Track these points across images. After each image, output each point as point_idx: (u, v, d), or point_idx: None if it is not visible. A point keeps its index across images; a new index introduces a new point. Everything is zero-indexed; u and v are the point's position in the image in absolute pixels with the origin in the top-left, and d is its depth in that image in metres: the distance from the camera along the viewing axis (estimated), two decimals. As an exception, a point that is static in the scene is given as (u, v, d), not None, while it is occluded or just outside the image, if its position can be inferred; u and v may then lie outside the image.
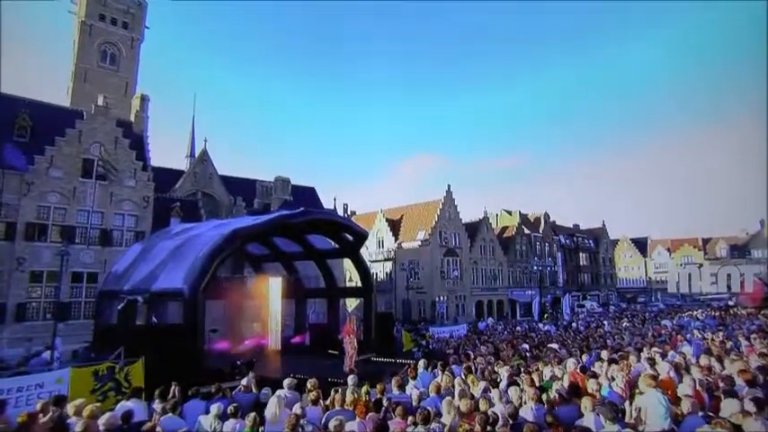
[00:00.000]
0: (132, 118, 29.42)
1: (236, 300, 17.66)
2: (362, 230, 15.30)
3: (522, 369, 9.00)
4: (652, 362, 8.42)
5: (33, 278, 21.80)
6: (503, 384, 7.73)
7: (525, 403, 6.29)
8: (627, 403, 6.85)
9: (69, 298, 22.52)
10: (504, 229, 52.21)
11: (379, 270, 46.01)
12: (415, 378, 8.42)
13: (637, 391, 7.22)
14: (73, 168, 23.42)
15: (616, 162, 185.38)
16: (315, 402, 7.27)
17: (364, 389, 7.88)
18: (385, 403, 6.99)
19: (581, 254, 61.28)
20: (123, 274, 13.98)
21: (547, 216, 55.52)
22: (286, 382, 8.36)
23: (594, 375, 7.67)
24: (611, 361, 9.28)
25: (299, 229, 14.83)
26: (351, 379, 8.57)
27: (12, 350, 19.13)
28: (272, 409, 7.18)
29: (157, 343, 10.42)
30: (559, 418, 5.64)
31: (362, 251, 47.76)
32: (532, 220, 55.10)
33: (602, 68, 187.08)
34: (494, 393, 6.53)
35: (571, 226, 64.55)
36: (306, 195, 60.75)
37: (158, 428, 6.28)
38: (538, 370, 8.41)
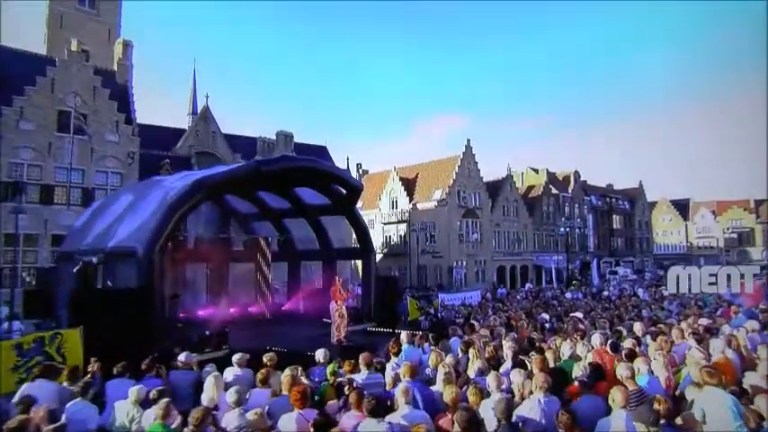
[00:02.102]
0: (115, 67, 27.97)
1: (220, 262, 16.62)
2: (356, 182, 13.80)
3: (536, 345, 7.57)
4: (699, 338, 6.83)
5: (8, 242, 21.10)
6: (506, 365, 6.33)
7: (532, 393, 4.85)
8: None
9: (50, 263, 21.87)
10: (530, 188, 49.95)
11: (393, 233, 44.80)
12: (397, 354, 7.06)
13: (683, 371, 5.75)
14: (47, 121, 22.31)
15: (657, 119, 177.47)
16: (263, 383, 6.03)
17: (331, 367, 6.58)
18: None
19: (614, 216, 58.70)
20: (81, 232, 12.93)
21: (577, 174, 52.87)
22: (236, 357, 7.15)
23: (632, 355, 6.17)
24: (651, 335, 7.78)
25: (282, 181, 13.42)
26: (320, 354, 7.30)
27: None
28: (208, 393, 5.98)
29: (106, 310, 9.30)
30: (578, 415, 4.22)
31: (375, 213, 46.75)
32: (561, 179, 52.58)
33: (638, 21, 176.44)
34: (489, 378, 5.10)
35: (604, 186, 61.69)
36: (316, 154, 59.41)
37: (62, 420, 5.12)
38: (552, 348, 6.93)
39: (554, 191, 49.33)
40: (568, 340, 7.50)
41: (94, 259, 11.22)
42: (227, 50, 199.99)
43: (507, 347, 6.66)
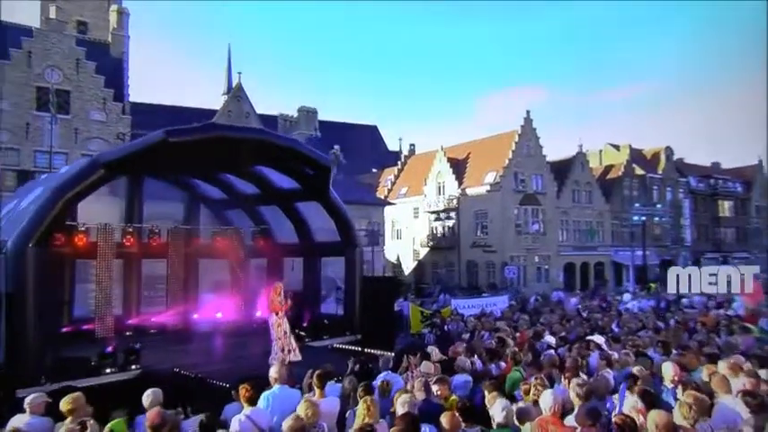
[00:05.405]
0: (109, 38, 27.74)
1: (184, 259, 15.31)
2: (321, 158, 11.75)
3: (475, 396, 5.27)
4: (758, 404, 4.21)
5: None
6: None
7: None
8: None
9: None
10: (609, 168, 45.43)
11: (440, 223, 42.45)
12: (253, 402, 5.02)
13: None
14: (23, 99, 22.21)
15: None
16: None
17: (110, 426, 4.67)
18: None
19: (721, 202, 52.20)
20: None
21: (669, 151, 47.37)
22: (29, 399, 5.54)
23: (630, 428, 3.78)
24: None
25: (232, 157, 11.69)
26: (146, 396, 5.47)
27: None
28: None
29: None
30: None
31: (420, 200, 44.52)
32: (649, 157, 47.40)
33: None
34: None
35: (708, 165, 55.22)
36: (362, 134, 58.15)
37: None
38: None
39: (639, 171, 44.51)
40: (533, 389, 5.14)
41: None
42: (267, 27, 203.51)
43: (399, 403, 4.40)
